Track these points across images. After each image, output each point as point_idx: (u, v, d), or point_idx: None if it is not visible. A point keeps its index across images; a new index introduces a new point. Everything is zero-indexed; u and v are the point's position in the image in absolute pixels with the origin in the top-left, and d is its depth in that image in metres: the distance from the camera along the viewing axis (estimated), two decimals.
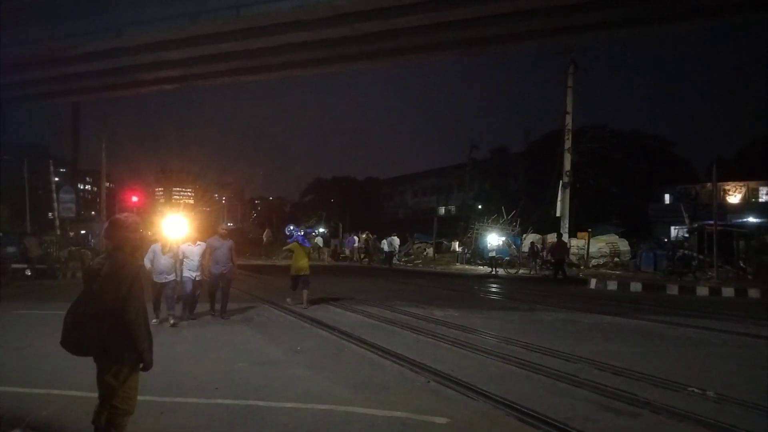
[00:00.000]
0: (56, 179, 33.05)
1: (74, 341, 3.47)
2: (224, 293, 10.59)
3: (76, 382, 5.25)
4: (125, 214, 3.85)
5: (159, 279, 9.49)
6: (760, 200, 37.86)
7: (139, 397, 3.67)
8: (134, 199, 34.24)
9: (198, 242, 10.28)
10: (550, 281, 20.18)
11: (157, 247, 9.47)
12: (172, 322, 9.46)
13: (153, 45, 22.42)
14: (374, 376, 6.22)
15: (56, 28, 22.55)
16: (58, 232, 27.27)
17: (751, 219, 28.56)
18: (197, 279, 10.14)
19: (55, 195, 27.83)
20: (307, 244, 12.33)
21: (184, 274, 9.96)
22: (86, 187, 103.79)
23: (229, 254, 10.59)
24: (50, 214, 29.66)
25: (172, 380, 5.97)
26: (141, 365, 3.53)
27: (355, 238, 36.51)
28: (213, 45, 22.24)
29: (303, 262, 11.87)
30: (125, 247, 3.62)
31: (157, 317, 9.50)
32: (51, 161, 30.83)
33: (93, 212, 73.14)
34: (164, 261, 9.46)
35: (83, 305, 3.49)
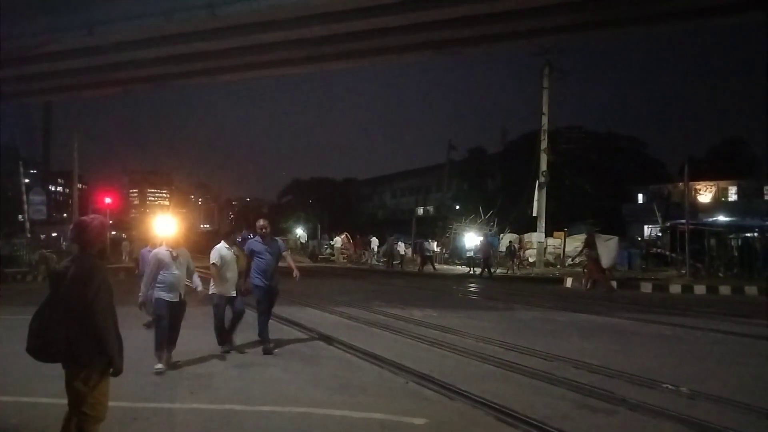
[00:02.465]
0: (26, 181, 32.31)
1: (40, 347, 3.36)
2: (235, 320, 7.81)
3: (46, 389, 5.10)
4: (91, 215, 3.75)
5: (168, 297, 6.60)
6: (730, 199, 38.75)
7: (111, 403, 3.57)
8: (107, 200, 33.68)
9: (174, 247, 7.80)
10: (478, 277, 21.54)
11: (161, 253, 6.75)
12: (157, 367, 6.41)
13: (126, 44, 22.00)
14: (352, 378, 6.17)
15: (26, 25, 21.99)
16: (29, 234, 26.64)
17: (721, 218, 29.20)
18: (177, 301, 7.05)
19: (25, 197, 27.19)
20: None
21: (156, 294, 6.63)
22: (58, 189, 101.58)
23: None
24: (20, 216, 28.97)
25: (145, 385, 5.84)
26: (111, 370, 3.43)
27: (338, 239, 36.43)
28: (188, 44, 21.92)
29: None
30: (92, 250, 3.51)
31: (228, 345, 7.57)
32: (21, 162, 30.12)
33: (65, 214, 71.65)
34: (175, 271, 6.64)
35: (49, 310, 3.38)
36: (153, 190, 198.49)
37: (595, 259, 16.90)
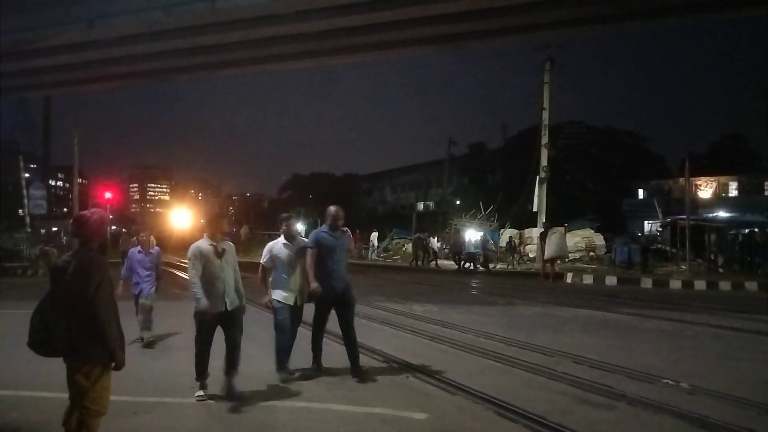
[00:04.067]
0: (26, 175, 32.27)
1: (42, 342, 3.37)
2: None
3: (47, 383, 5.11)
4: (92, 210, 3.74)
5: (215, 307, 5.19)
6: (730, 195, 38.74)
7: (112, 397, 3.57)
8: (108, 195, 33.66)
9: (154, 245, 8.28)
10: (454, 272, 22.13)
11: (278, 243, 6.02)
12: (198, 395, 5.23)
13: (126, 38, 21.93)
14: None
15: (25, 19, 21.92)
16: (29, 229, 26.64)
17: (722, 213, 29.20)
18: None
19: (25, 191, 27.17)
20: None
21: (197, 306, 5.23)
22: (58, 184, 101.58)
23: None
24: (20, 210, 28.96)
25: (146, 379, 5.85)
26: (113, 364, 3.44)
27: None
28: (187, 38, 21.86)
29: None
30: (92, 244, 3.51)
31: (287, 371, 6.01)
32: (21, 157, 30.08)
33: (65, 209, 71.65)
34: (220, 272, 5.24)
35: (50, 304, 3.39)
36: (153, 185, 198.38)
37: (543, 251, 18.43)
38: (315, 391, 5.50)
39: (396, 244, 33.44)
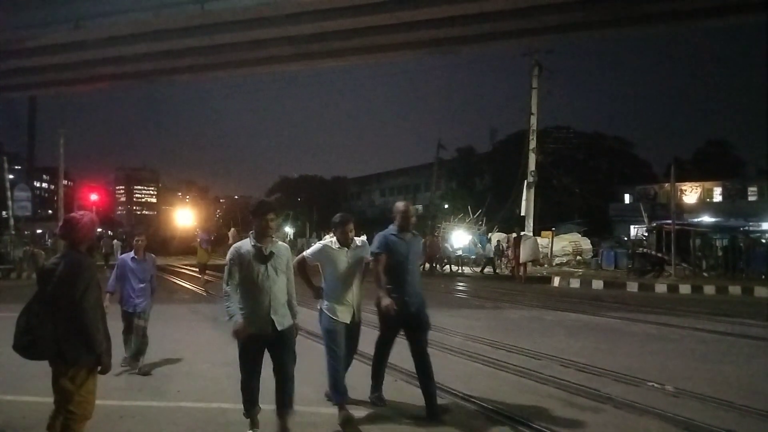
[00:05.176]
0: (11, 177, 31.87)
1: (27, 345, 3.33)
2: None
3: (31, 387, 5.05)
4: (81, 212, 3.72)
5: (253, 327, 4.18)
6: (715, 200, 39.24)
7: (97, 402, 3.55)
8: (94, 197, 33.36)
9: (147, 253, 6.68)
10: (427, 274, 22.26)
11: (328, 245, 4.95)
12: None
13: (113, 39, 21.75)
14: None
15: (10, 18, 21.67)
16: (13, 231, 26.31)
17: (706, 218, 29.56)
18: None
19: (9, 193, 26.84)
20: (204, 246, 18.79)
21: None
22: (43, 185, 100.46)
23: None
24: (4, 212, 28.59)
25: (132, 383, 5.80)
26: (99, 368, 3.41)
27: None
28: (176, 40, 21.73)
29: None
30: (81, 246, 3.49)
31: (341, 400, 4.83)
32: (5, 158, 29.72)
33: (50, 211, 70.82)
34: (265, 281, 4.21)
35: (37, 307, 3.36)
36: (140, 187, 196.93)
37: (517, 256, 19.96)
38: (304, 395, 5.46)
39: None
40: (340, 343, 4.79)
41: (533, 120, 24.06)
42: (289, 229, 50.20)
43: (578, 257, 25.27)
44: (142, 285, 6.44)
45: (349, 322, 4.87)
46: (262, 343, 4.12)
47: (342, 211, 5.49)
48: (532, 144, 24.00)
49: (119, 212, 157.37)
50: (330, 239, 4.97)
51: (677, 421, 4.67)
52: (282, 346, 4.16)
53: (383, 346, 5.16)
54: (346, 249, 4.87)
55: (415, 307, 4.90)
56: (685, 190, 39.05)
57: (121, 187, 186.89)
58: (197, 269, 16.43)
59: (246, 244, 4.17)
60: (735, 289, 15.79)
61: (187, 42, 21.96)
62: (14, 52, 23.25)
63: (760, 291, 15.34)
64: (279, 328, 4.12)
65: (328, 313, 4.82)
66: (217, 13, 20.02)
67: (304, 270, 4.97)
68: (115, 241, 42.14)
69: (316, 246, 5.03)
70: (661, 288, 16.49)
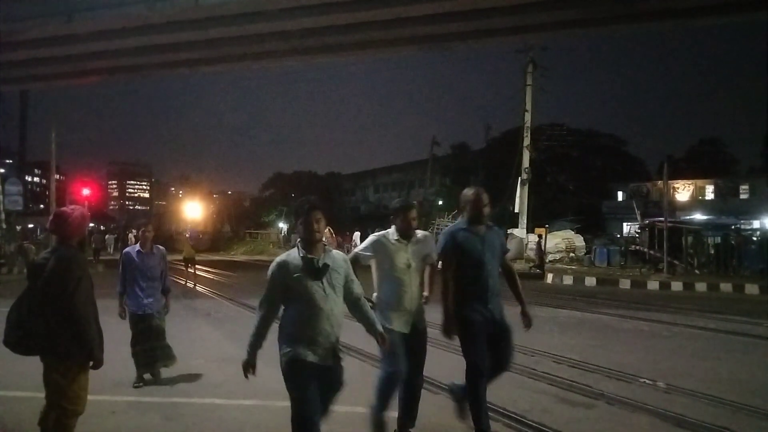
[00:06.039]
0: (2, 170, 31.65)
1: (18, 340, 3.31)
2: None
3: (22, 383, 5.02)
4: (71, 206, 3.69)
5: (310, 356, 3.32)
6: (707, 198, 39.49)
7: (89, 397, 3.53)
8: (86, 191, 33.12)
9: (155, 245, 5.92)
10: None
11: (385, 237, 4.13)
12: None
13: (106, 32, 21.58)
14: None
15: (1, 10, 21.45)
16: (4, 225, 26.11)
17: (698, 216, 29.74)
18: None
19: (0, 187, 26.61)
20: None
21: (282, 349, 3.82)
22: (35, 180, 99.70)
23: None
24: None
25: (124, 378, 5.77)
26: (91, 363, 3.39)
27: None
28: (170, 34, 21.58)
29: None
30: (72, 241, 3.46)
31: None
32: None
33: (41, 205, 70.33)
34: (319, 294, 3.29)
35: (28, 302, 3.33)
36: (132, 182, 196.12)
37: None
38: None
39: None
40: (399, 359, 3.91)
41: (527, 117, 24.12)
42: (282, 225, 50.10)
43: (571, 254, 25.37)
44: (150, 282, 5.70)
45: (408, 332, 4.05)
46: (317, 376, 3.24)
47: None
48: (526, 141, 24.07)
49: (112, 207, 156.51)
50: (379, 231, 4.26)
51: (669, 417, 4.70)
52: (336, 380, 3.35)
53: (477, 377, 3.99)
54: (407, 243, 4.02)
55: (498, 314, 4.12)
56: (678, 188, 39.26)
57: (113, 181, 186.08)
58: (183, 264, 16.35)
59: (294, 256, 3.23)
60: (726, 287, 15.90)
61: (181, 36, 21.82)
62: (5, 45, 23.00)
63: (751, 288, 15.46)
64: (341, 358, 3.30)
65: (383, 322, 3.89)
66: (210, 7, 19.90)
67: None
68: (108, 236, 41.97)
69: (370, 239, 4.17)
70: (653, 285, 16.58)
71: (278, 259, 3.27)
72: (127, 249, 5.91)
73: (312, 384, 3.20)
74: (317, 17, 19.90)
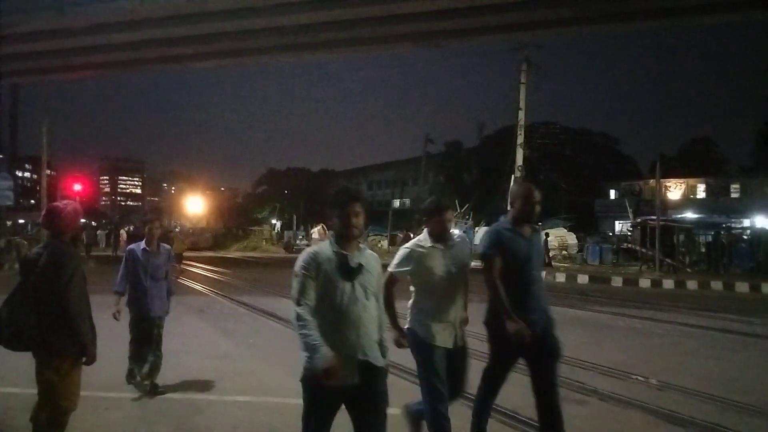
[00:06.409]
0: None
1: (11, 336, 3.28)
2: None
3: (13, 379, 4.98)
4: (64, 201, 3.66)
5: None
6: (698, 196, 39.77)
7: (82, 393, 3.50)
8: (77, 187, 32.91)
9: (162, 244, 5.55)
10: None
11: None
12: None
13: (98, 26, 21.41)
14: None
15: None
16: None
17: (690, 214, 29.94)
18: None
19: None
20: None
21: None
22: (25, 175, 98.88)
23: None
24: None
25: (116, 375, 5.73)
26: (84, 359, 3.37)
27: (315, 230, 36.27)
28: (162, 29, 21.45)
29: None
30: (64, 236, 3.43)
31: None
32: None
33: (32, 201, 69.81)
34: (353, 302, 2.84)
35: (20, 297, 3.30)
36: (124, 178, 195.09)
37: None
38: (292, 387, 5.41)
39: (372, 240, 33.48)
40: (443, 377, 3.53)
41: (521, 115, 24.14)
42: (275, 222, 50.02)
43: (564, 252, 25.48)
44: (155, 283, 5.25)
45: (451, 347, 3.63)
46: (340, 397, 2.74)
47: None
48: (520, 139, 24.08)
49: (103, 203, 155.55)
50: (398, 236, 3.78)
51: (661, 414, 4.73)
52: (371, 404, 2.80)
53: (493, 381, 3.79)
54: (442, 247, 3.59)
55: (541, 328, 3.58)
56: (670, 187, 39.51)
57: (105, 177, 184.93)
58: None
59: (325, 250, 2.80)
60: (717, 285, 16.02)
61: (173, 31, 21.69)
62: None
63: (741, 286, 15.59)
64: (364, 376, 2.74)
65: (423, 337, 3.56)
66: (203, 2, 19.80)
67: (392, 296, 3.61)
68: (99, 231, 41.60)
69: (401, 252, 3.70)
70: (645, 283, 16.69)
71: (308, 250, 2.87)
72: (131, 246, 5.47)
73: (324, 406, 2.73)
74: (311, 13, 19.84)
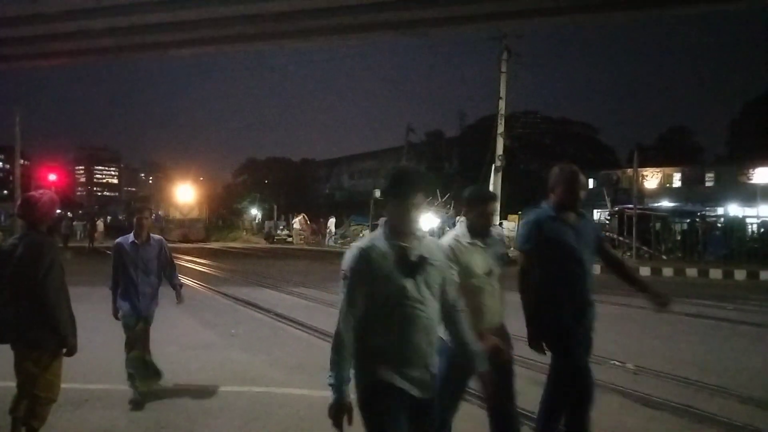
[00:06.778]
0: None
1: None
2: None
3: None
4: (40, 191, 3.60)
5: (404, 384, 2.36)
6: (674, 185, 40.45)
7: (62, 385, 3.47)
8: (52, 177, 32.27)
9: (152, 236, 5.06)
10: None
11: None
12: None
13: (73, 13, 20.90)
14: (311, 358, 6.18)
15: None
16: None
17: (666, 203, 30.48)
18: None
19: None
20: None
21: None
22: None
23: None
24: None
25: (96, 366, 5.69)
26: (64, 350, 3.34)
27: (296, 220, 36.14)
28: (140, 15, 21.00)
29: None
30: (41, 226, 3.38)
31: None
32: None
33: (5, 191, 68.34)
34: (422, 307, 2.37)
35: None
36: (101, 168, 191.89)
37: None
38: (275, 376, 5.49)
39: (353, 230, 33.48)
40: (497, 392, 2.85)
41: (501, 104, 24.25)
42: (256, 212, 49.68)
43: None
44: (146, 278, 4.86)
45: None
46: (408, 406, 2.34)
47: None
48: (500, 128, 24.22)
49: (79, 193, 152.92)
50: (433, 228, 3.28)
51: (637, 397, 4.86)
52: (430, 415, 2.44)
53: (582, 379, 3.46)
54: (480, 243, 3.17)
55: (591, 326, 3.39)
56: (647, 176, 40.09)
57: (80, 167, 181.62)
58: None
59: (379, 243, 2.35)
60: (692, 272, 16.37)
61: (150, 18, 21.27)
62: None
63: (715, 273, 15.96)
64: (427, 392, 2.37)
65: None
66: None
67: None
68: (75, 222, 40.81)
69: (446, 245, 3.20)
70: None
71: (358, 244, 2.39)
72: (119, 240, 5.02)
73: (401, 419, 2.32)
74: (292, 1, 19.62)
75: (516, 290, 3.51)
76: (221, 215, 51.42)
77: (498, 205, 2.92)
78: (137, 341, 4.79)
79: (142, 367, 4.75)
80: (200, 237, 35.77)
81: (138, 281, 4.79)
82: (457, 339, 2.51)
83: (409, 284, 2.30)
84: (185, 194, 39.22)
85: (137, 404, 4.60)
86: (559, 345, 3.33)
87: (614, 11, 20.76)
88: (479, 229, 3.19)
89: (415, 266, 2.32)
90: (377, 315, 2.30)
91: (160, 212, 37.76)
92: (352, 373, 2.31)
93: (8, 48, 24.83)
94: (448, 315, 2.46)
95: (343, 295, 2.32)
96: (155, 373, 4.89)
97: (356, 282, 2.30)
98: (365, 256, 2.31)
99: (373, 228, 30.88)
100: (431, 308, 2.34)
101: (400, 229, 2.34)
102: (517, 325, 3.68)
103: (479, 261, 3.14)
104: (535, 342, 3.44)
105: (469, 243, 3.14)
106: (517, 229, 3.29)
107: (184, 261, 19.94)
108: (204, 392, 4.98)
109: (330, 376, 2.27)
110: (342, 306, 2.32)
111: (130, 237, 4.89)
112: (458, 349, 2.54)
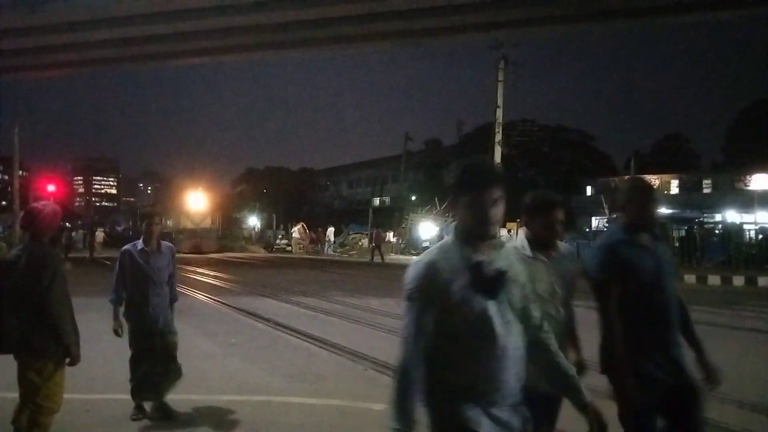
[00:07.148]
0: None
1: None
2: None
3: None
4: (43, 202, 3.65)
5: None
6: (672, 192, 40.59)
7: (64, 395, 3.50)
8: (51, 188, 32.31)
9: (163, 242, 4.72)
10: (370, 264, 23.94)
11: None
12: None
13: (72, 24, 21.11)
14: (311, 366, 6.21)
15: None
16: None
17: (663, 210, 30.55)
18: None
19: None
20: None
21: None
22: None
23: None
24: None
25: (97, 376, 5.71)
26: (67, 360, 3.37)
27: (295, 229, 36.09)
28: (138, 27, 21.23)
29: None
30: (43, 237, 3.43)
31: None
32: None
33: (4, 202, 68.35)
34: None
35: (0, 300, 3.29)
36: (99, 178, 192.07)
37: None
38: (274, 385, 5.51)
39: (352, 239, 33.52)
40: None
41: (499, 113, 24.40)
42: (255, 221, 49.70)
43: None
44: (157, 288, 4.52)
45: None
46: None
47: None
48: (498, 136, 24.35)
49: (78, 203, 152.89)
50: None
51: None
52: None
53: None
54: (544, 258, 2.73)
55: (683, 362, 2.76)
56: None
57: (79, 177, 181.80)
58: None
59: (449, 253, 1.90)
60: (690, 278, 16.41)
61: (150, 29, 21.49)
62: None
63: (713, 279, 16.00)
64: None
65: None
66: (180, 0, 19.64)
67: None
68: (75, 233, 40.79)
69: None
70: None
71: (423, 258, 1.93)
72: (126, 247, 4.67)
73: None
74: (290, 12, 19.84)
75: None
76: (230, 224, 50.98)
77: (563, 212, 2.66)
78: (144, 357, 4.54)
79: (146, 382, 4.54)
80: (213, 248, 33.53)
81: (149, 292, 4.46)
82: (551, 368, 2.05)
83: (491, 307, 1.85)
84: (197, 202, 36.70)
85: (140, 413, 4.57)
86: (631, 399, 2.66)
87: (611, 20, 20.98)
88: (544, 241, 2.74)
89: (496, 283, 1.88)
90: (453, 345, 1.86)
91: (168, 222, 35.48)
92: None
93: (7, 59, 25.00)
94: (535, 340, 1.99)
95: (408, 320, 1.86)
96: (177, 377, 4.61)
97: (425, 304, 1.84)
98: (433, 270, 1.85)
99: (370, 235, 31.00)
100: (517, 335, 1.90)
101: (477, 233, 1.88)
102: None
103: (541, 279, 2.62)
104: (629, 401, 2.68)
105: (530, 256, 2.66)
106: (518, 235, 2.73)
107: (184, 271, 19.97)
108: (205, 402, 5.00)
109: (393, 419, 1.79)
110: (407, 334, 1.85)
111: (139, 244, 4.58)
112: (554, 381, 2.10)
